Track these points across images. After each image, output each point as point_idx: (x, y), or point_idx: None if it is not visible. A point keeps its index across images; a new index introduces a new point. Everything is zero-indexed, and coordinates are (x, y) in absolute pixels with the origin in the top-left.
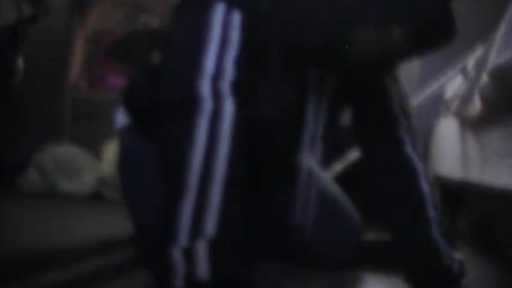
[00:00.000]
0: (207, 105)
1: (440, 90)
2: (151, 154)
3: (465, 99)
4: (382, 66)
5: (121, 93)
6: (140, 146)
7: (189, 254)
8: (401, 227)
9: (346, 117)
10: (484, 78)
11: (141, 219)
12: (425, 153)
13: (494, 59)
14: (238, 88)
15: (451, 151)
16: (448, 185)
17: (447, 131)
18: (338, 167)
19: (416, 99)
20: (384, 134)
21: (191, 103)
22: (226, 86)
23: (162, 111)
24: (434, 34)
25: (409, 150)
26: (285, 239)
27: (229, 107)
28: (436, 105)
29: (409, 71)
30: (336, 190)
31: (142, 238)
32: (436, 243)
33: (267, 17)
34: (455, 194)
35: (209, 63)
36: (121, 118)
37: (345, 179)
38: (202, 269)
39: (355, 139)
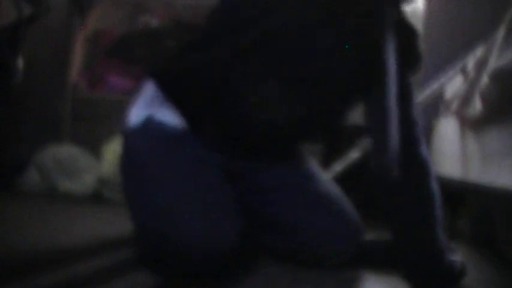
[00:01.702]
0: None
1: (440, 90)
2: (156, 153)
3: (465, 99)
4: None
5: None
6: (145, 146)
7: None
8: (410, 226)
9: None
10: (485, 79)
11: (142, 219)
12: None
13: (495, 61)
14: None
15: (451, 151)
16: (448, 185)
17: (447, 131)
18: (338, 167)
19: (417, 99)
20: (404, 133)
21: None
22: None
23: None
24: None
25: (424, 150)
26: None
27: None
28: (436, 105)
29: None
30: (336, 190)
31: (142, 238)
32: (440, 243)
33: None
34: (455, 194)
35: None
36: (134, 116)
37: (345, 179)
38: None
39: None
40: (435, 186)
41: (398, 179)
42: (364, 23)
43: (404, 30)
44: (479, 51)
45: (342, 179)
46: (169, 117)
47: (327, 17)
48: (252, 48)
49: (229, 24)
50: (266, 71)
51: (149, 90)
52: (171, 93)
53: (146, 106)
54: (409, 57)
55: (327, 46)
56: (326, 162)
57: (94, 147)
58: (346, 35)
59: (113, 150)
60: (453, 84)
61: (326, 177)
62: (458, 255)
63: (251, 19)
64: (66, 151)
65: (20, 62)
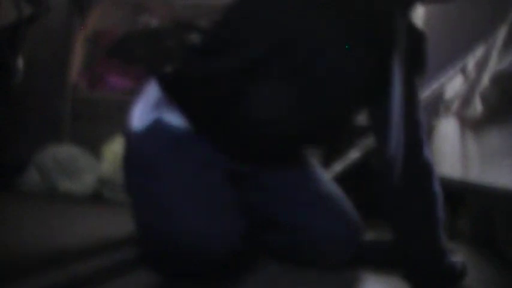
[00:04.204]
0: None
1: (440, 90)
2: (161, 154)
3: (465, 99)
4: None
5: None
6: (150, 146)
7: None
8: (411, 226)
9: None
10: (485, 81)
11: (145, 219)
12: None
13: (495, 64)
14: None
15: (451, 151)
16: (448, 185)
17: (447, 131)
18: (338, 167)
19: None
20: (408, 134)
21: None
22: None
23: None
24: None
25: (427, 151)
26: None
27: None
28: (436, 105)
29: None
30: (336, 190)
31: (144, 237)
32: (441, 244)
33: None
34: (455, 194)
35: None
36: (139, 118)
37: (345, 179)
38: None
39: (375, 140)
40: (438, 187)
41: (401, 179)
42: (376, 27)
43: (413, 33)
44: (479, 51)
45: (342, 179)
46: (175, 119)
47: (339, 23)
48: (266, 57)
49: (243, 30)
50: (280, 79)
51: (153, 91)
52: (180, 100)
53: (152, 108)
54: (416, 60)
55: (340, 52)
56: (326, 162)
57: (94, 147)
58: (358, 40)
59: (112, 150)
60: (453, 84)
61: (326, 177)
62: (459, 256)
63: (268, 25)
64: (66, 151)
65: (20, 62)
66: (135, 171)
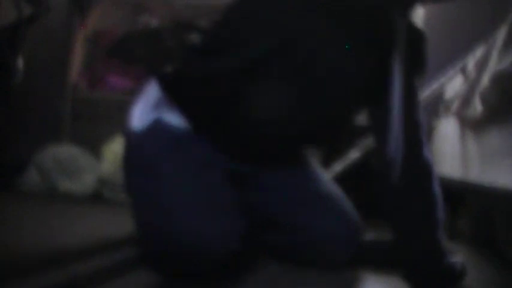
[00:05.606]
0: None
1: (440, 90)
2: (161, 154)
3: (465, 99)
4: None
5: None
6: (150, 146)
7: None
8: (411, 227)
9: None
10: (485, 81)
11: (145, 219)
12: None
13: (495, 64)
14: None
15: (451, 151)
16: (448, 185)
17: (447, 131)
18: (338, 167)
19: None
20: (408, 135)
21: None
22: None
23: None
24: None
25: (427, 152)
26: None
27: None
28: (436, 105)
29: None
30: (336, 190)
31: (144, 237)
32: (441, 244)
33: None
34: (455, 194)
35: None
36: (138, 118)
37: (345, 179)
38: None
39: (375, 140)
40: (437, 188)
41: (400, 179)
42: (376, 27)
43: (413, 34)
44: (479, 51)
45: (342, 179)
46: (175, 119)
47: (339, 23)
48: (266, 57)
49: (243, 30)
50: (280, 79)
51: (153, 91)
52: (179, 100)
53: (152, 108)
54: (416, 60)
55: (340, 52)
56: (326, 162)
57: (94, 147)
58: (358, 40)
59: (112, 150)
60: (453, 84)
61: (326, 177)
62: (459, 257)
63: (268, 25)
64: (66, 151)
65: (20, 62)
66: (135, 171)
